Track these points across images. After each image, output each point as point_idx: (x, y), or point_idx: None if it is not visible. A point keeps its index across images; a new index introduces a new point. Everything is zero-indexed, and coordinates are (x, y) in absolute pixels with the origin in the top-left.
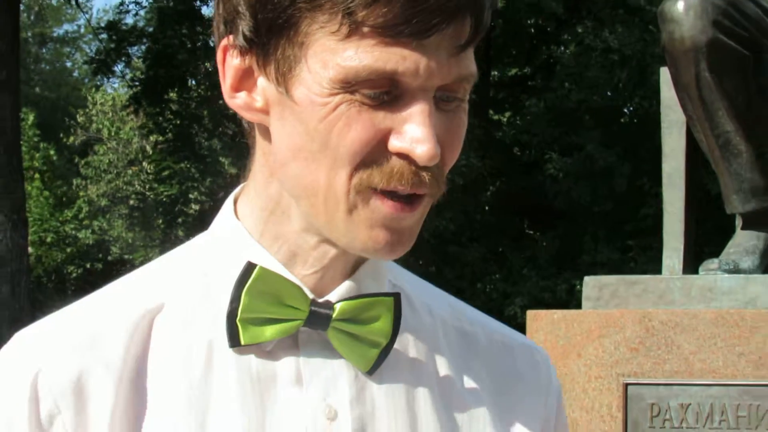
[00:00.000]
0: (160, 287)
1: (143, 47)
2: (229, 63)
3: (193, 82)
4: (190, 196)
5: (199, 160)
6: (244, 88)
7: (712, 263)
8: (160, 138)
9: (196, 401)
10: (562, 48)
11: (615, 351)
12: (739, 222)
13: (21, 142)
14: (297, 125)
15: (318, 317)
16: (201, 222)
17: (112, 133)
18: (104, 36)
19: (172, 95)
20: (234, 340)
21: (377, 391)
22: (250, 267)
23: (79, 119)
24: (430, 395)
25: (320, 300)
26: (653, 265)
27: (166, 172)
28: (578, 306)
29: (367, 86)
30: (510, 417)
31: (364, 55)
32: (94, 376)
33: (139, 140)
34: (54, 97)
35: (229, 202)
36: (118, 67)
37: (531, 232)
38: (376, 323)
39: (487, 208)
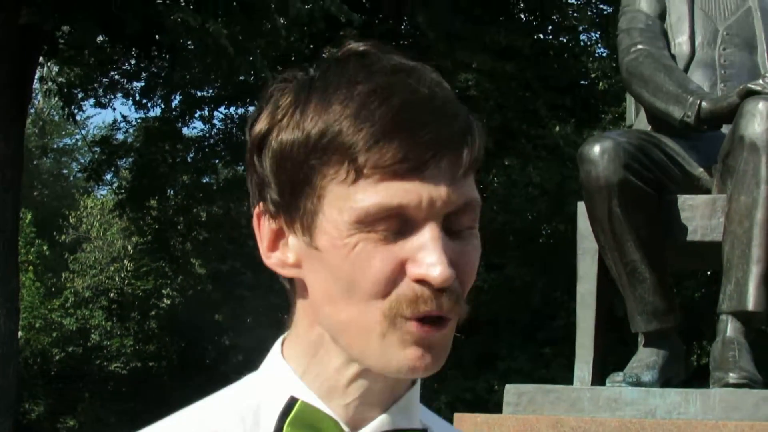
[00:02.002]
0: (213, 419)
1: (130, 160)
2: (264, 227)
3: (172, 192)
4: (163, 291)
5: (173, 260)
6: (277, 248)
7: (618, 376)
8: (141, 239)
9: None
10: (491, 177)
11: None
12: (641, 340)
13: (18, 239)
14: (324, 271)
15: None
16: (171, 315)
17: (99, 234)
18: (97, 149)
19: (153, 203)
20: None
21: None
22: (292, 401)
23: (71, 220)
24: None
25: None
26: (562, 372)
27: (144, 269)
28: (495, 404)
29: (380, 224)
30: None
31: (372, 194)
32: None
33: (121, 241)
34: (50, 199)
35: (277, 345)
36: (108, 176)
37: (458, 334)
38: None
39: None
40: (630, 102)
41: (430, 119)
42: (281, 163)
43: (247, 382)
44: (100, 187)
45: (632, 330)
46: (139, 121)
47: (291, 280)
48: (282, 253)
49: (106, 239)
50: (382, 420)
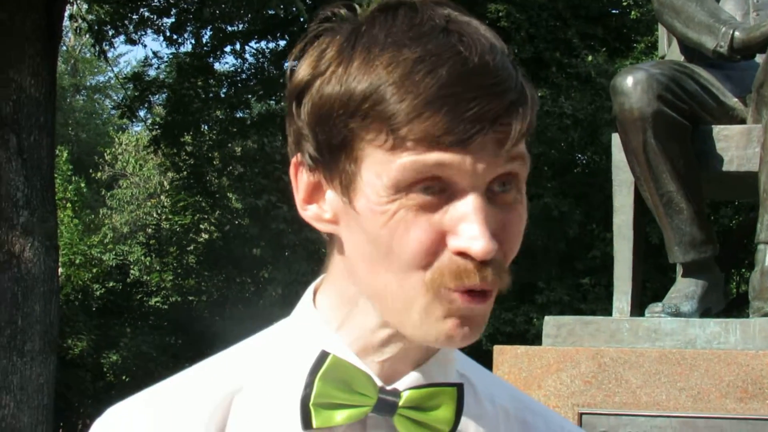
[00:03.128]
0: (241, 370)
1: (163, 96)
2: (301, 178)
3: (206, 128)
4: (201, 226)
5: (209, 195)
6: (314, 201)
7: (657, 306)
8: (176, 175)
9: None
10: None
11: (571, 384)
12: (679, 270)
13: (55, 176)
14: (361, 234)
15: (386, 404)
16: (209, 250)
17: (135, 170)
18: (130, 86)
19: (188, 138)
20: (307, 424)
21: None
22: (323, 355)
23: (107, 157)
24: None
25: (388, 388)
26: (600, 303)
27: (180, 204)
28: (534, 336)
29: (418, 190)
30: None
31: (411, 162)
32: None
33: (158, 176)
34: (86, 137)
35: (309, 293)
36: (141, 113)
37: None
38: (440, 411)
39: None
40: (662, 32)
41: (477, 93)
42: (320, 121)
43: (278, 330)
44: (135, 123)
45: (670, 261)
46: (170, 56)
47: (330, 235)
48: (319, 207)
49: (142, 175)
50: (416, 375)
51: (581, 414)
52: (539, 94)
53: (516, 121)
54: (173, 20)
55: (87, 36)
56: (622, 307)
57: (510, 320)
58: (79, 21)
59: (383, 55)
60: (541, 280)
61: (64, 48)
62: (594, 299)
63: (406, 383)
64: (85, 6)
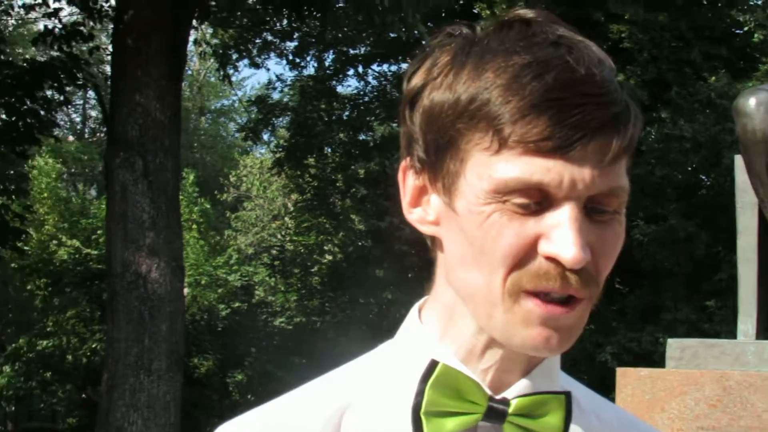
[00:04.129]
0: (350, 386)
1: (287, 119)
2: (408, 182)
3: (329, 150)
4: (325, 247)
5: (333, 217)
6: (419, 204)
7: None
8: (300, 197)
9: None
10: (648, 128)
11: (695, 407)
12: None
13: (181, 198)
14: (459, 234)
15: (495, 412)
16: (333, 271)
17: (259, 192)
18: (254, 109)
19: (311, 160)
20: None
21: None
22: (433, 364)
23: (232, 179)
24: None
25: (497, 396)
26: (726, 325)
27: (304, 225)
28: (660, 356)
29: (516, 196)
30: None
31: (512, 167)
32: None
33: (282, 198)
34: (210, 160)
35: (414, 310)
36: (265, 136)
37: (620, 287)
38: (549, 418)
39: None
40: None
41: (582, 101)
42: (430, 122)
43: (385, 348)
44: (258, 146)
45: None
46: (293, 80)
47: (432, 239)
48: (423, 210)
49: (267, 197)
50: (523, 384)
51: None
52: (662, 116)
53: (618, 134)
54: (296, 44)
55: (212, 60)
56: (746, 330)
57: (635, 338)
58: (204, 45)
59: (494, 61)
60: (667, 300)
61: (189, 72)
62: (720, 321)
63: (515, 391)
64: (210, 30)
